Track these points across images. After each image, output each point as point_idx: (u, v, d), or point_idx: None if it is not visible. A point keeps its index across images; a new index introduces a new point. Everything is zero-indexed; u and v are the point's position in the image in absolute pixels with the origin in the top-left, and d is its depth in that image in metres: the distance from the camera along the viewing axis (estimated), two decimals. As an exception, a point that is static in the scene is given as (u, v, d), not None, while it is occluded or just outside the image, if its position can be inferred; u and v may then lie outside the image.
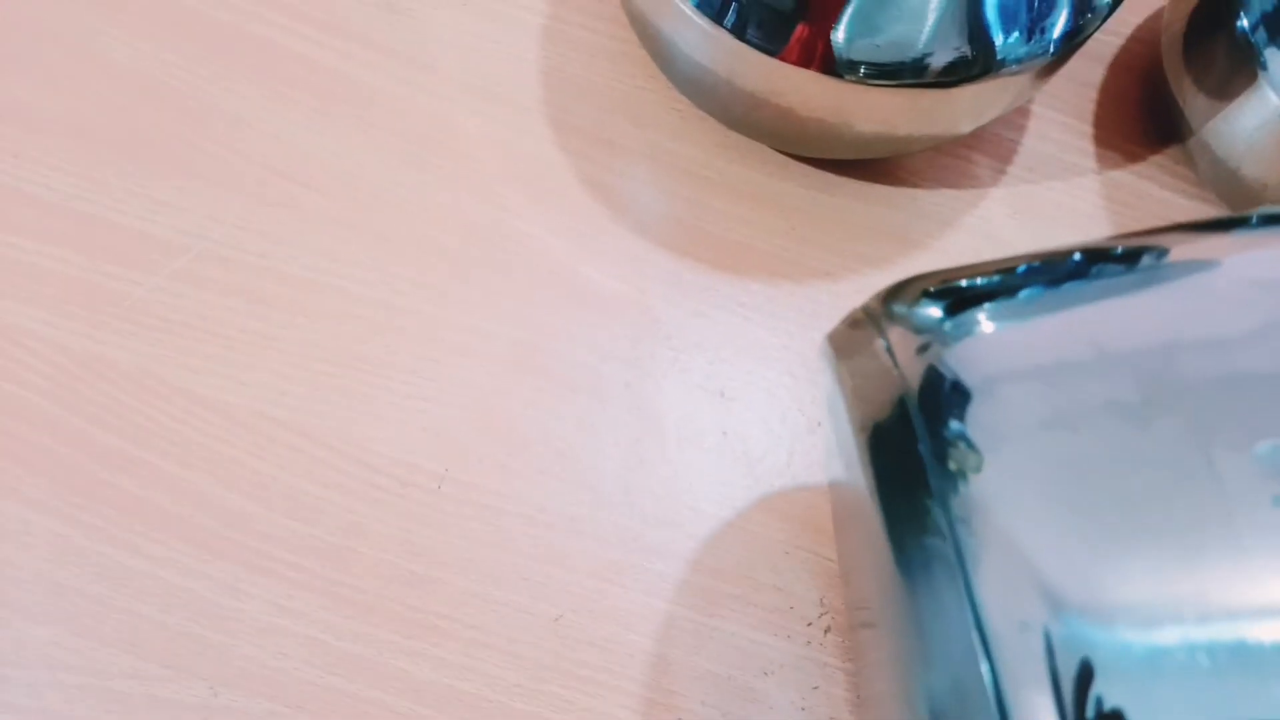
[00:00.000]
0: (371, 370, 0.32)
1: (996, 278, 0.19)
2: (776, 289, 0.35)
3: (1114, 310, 0.18)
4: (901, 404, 0.18)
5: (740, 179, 0.36)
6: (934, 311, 0.19)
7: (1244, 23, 0.32)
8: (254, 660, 0.29)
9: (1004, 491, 0.16)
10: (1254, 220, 0.20)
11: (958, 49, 0.28)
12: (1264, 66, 0.31)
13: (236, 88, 0.36)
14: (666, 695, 0.29)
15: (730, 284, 0.35)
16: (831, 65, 0.29)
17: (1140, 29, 0.39)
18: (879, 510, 0.17)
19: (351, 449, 0.31)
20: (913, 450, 0.17)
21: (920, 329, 0.19)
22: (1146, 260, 0.19)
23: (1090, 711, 0.14)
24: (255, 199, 0.34)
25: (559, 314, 0.34)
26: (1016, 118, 0.38)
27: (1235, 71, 0.33)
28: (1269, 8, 0.31)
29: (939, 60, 0.29)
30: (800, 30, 0.28)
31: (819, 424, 0.33)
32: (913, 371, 0.18)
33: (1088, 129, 0.38)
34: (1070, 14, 0.29)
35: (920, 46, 0.28)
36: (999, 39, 0.29)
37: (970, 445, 0.16)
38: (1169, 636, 0.15)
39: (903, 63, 0.28)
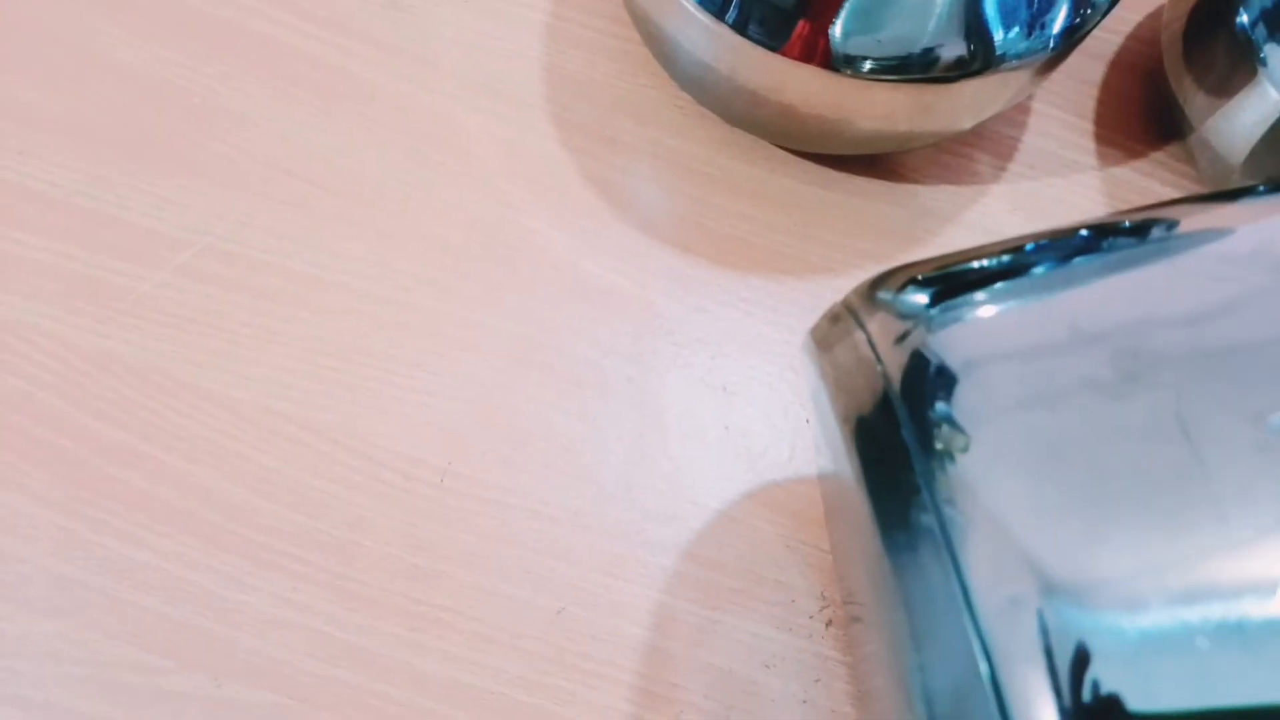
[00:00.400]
0: (375, 365, 0.32)
1: (979, 264, 0.20)
2: (778, 284, 0.35)
3: (1095, 290, 0.18)
4: (883, 393, 0.18)
5: (742, 175, 0.36)
6: (919, 298, 0.19)
7: (1243, 19, 0.32)
8: (258, 653, 0.29)
9: (990, 471, 0.16)
10: (1259, 191, 0.21)
11: (958, 45, 0.29)
12: (1263, 63, 0.31)
13: (240, 85, 0.36)
14: (669, 688, 0.30)
15: (732, 279, 0.35)
16: (832, 61, 0.29)
17: (1140, 27, 0.40)
18: (866, 498, 0.17)
19: (355, 443, 0.31)
20: (896, 437, 0.17)
21: (905, 316, 0.19)
22: (1127, 240, 0.20)
23: (1087, 694, 0.15)
24: (259, 195, 0.34)
25: (561, 309, 0.34)
26: (1017, 115, 0.38)
27: (1235, 68, 0.33)
28: (1268, 4, 0.32)
29: (940, 56, 0.29)
30: (801, 26, 0.29)
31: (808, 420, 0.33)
32: (893, 360, 0.18)
33: (1088, 126, 0.38)
34: (1070, 9, 0.29)
35: (921, 42, 0.28)
36: (999, 35, 0.29)
37: (955, 426, 0.17)
38: (1162, 615, 0.15)
39: (903, 58, 0.29)
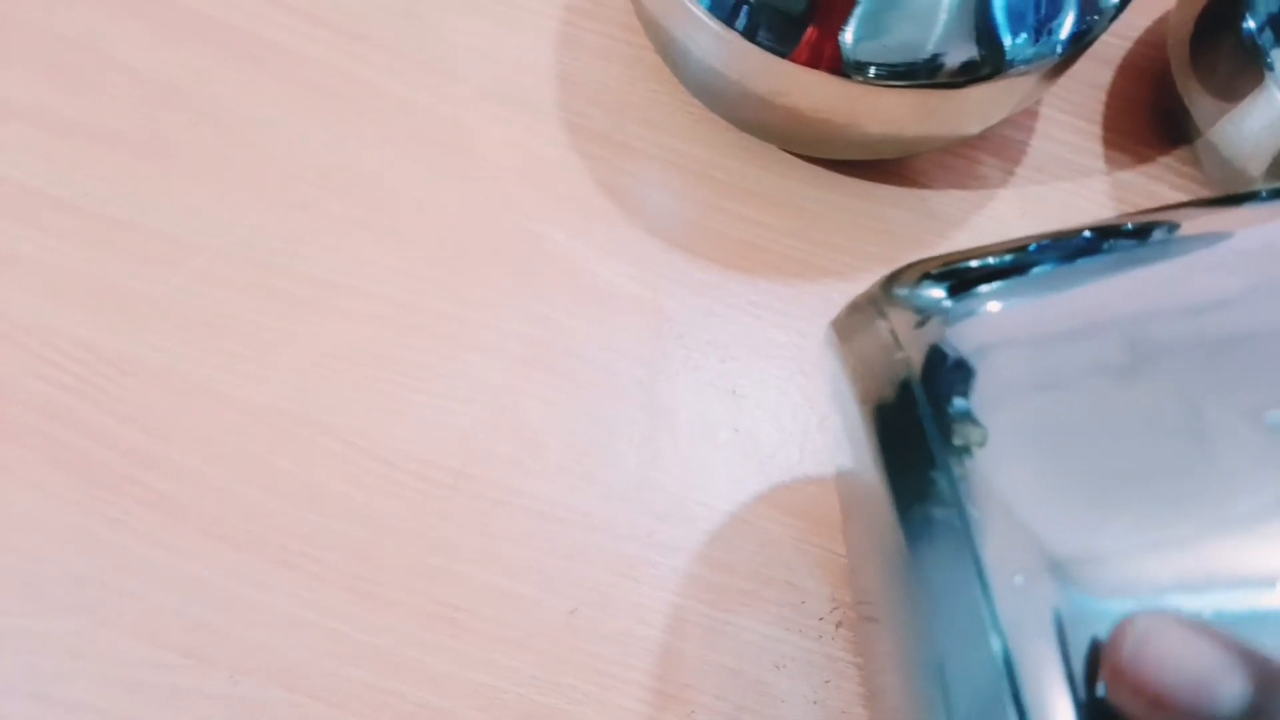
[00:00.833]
0: (389, 368, 0.33)
1: (995, 259, 0.20)
2: (787, 288, 0.35)
3: (1111, 283, 0.19)
4: (904, 378, 0.18)
5: (751, 180, 0.36)
6: (935, 293, 0.19)
7: (1250, 24, 0.32)
8: (274, 651, 0.29)
9: (1006, 460, 0.16)
10: (1265, 194, 0.21)
11: (966, 50, 0.29)
12: (1270, 67, 0.32)
13: (258, 93, 0.37)
14: (680, 689, 0.30)
15: (741, 283, 0.35)
16: (841, 66, 0.29)
17: (1148, 32, 0.40)
18: (885, 481, 0.18)
19: (370, 445, 0.32)
20: (916, 422, 0.17)
21: (921, 310, 0.19)
22: (1144, 237, 0.20)
23: (1101, 688, 0.15)
24: (276, 202, 0.35)
25: (573, 313, 0.34)
26: (1024, 119, 0.38)
27: (1242, 73, 0.33)
28: (1275, 9, 0.32)
29: (947, 61, 0.29)
30: (810, 32, 0.29)
31: (825, 419, 0.33)
32: (914, 347, 0.18)
33: (1096, 130, 0.38)
34: (1078, 15, 0.30)
35: (929, 48, 0.29)
36: (1007, 40, 0.29)
37: (972, 419, 0.17)
38: (1179, 603, 0.15)
39: (911, 64, 0.29)
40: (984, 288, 0.19)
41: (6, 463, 0.31)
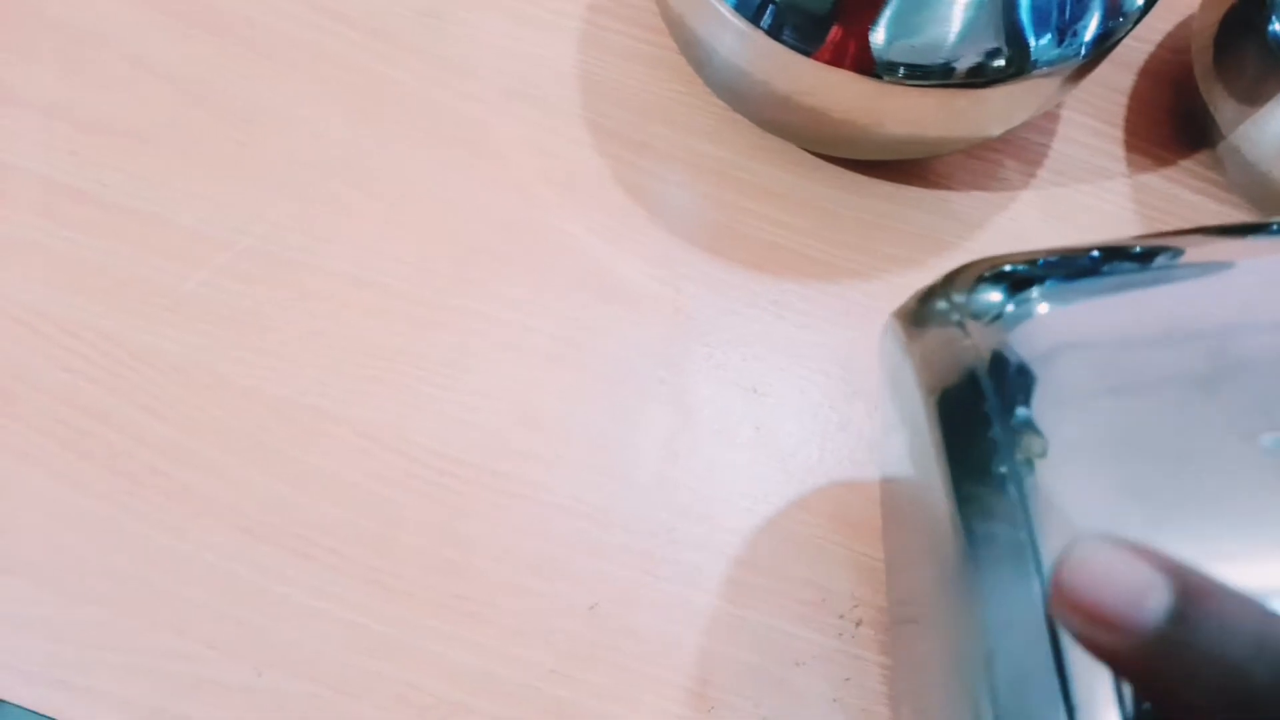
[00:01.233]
0: (412, 364, 0.33)
1: (1049, 262, 0.20)
2: (808, 288, 0.35)
3: (1170, 295, 0.19)
4: (971, 368, 0.18)
5: (773, 180, 0.37)
6: (993, 296, 0.19)
7: (1275, 28, 0.32)
8: (296, 643, 0.29)
9: (1073, 464, 0.16)
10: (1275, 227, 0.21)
11: (989, 51, 0.29)
12: (1294, 70, 0.32)
13: (282, 90, 0.37)
14: (700, 684, 0.30)
15: (763, 283, 0.35)
16: (865, 66, 0.29)
17: (1170, 36, 0.40)
18: (944, 470, 0.18)
19: (392, 440, 0.32)
20: (982, 414, 0.17)
21: (986, 307, 0.19)
22: (1189, 255, 0.20)
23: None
24: (300, 198, 0.35)
25: (596, 311, 0.34)
26: (1046, 122, 0.38)
27: (1266, 76, 0.33)
28: (1300, 13, 0.32)
29: (971, 62, 0.29)
30: (835, 31, 0.29)
31: (845, 420, 0.33)
32: (984, 340, 0.19)
33: (1118, 134, 0.38)
34: (1102, 18, 0.30)
35: (953, 48, 0.29)
36: (1031, 41, 0.29)
37: (1037, 421, 0.17)
38: None
39: (935, 64, 0.29)
40: (1040, 290, 0.19)
41: (32, 452, 0.31)
